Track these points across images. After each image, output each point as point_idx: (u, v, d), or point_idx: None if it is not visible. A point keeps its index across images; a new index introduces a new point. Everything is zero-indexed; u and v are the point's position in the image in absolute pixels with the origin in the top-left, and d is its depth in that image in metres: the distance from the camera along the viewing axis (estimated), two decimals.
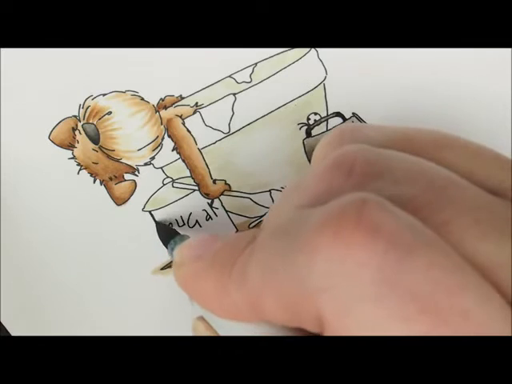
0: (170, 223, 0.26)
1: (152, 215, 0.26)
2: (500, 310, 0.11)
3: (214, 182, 0.27)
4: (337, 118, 0.27)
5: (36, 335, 0.25)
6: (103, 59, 0.25)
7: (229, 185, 0.27)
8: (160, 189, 0.26)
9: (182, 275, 0.17)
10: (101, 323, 0.26)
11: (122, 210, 0.26)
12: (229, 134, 0.26)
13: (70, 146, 0.26)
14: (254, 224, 0.27)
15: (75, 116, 0.26)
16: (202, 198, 0.27)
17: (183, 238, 0.24)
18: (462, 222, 0.12)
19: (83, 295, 0.26)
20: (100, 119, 0.26)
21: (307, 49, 0.27)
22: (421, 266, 0.12)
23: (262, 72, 0.26)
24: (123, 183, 0.26)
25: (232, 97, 0.26)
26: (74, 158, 0.26)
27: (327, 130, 0.27)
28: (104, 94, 0.26)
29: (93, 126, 0.26)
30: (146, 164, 0.26)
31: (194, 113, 0.26)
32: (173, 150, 0.26)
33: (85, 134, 0.26)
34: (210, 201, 0.27)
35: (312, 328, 0.13)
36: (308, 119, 0.27)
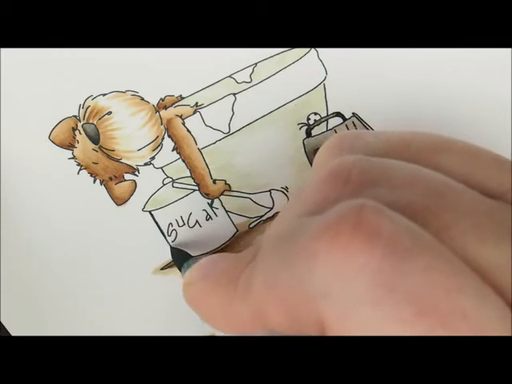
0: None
1: (152, 215, 0.26)
2: (499, 312, 0.11)
3: (214, 181, 0.27)
4: (337, 117, 0.27)
5: (36, 335, 0.25)
6: (103, 59, 0.25)
7: (229, 185, 0.27)
8: (160, 189, 0.26)
9: (190, 294, 0.17)
10: (101, 323, 0.26)
11: (122, 210, 0.26)
12: (229, 134, 0.26)
13: (70, 146, 0.26)
14: (254, 224, 0.27)
15: (75, 116, 0.26)
16: (202, 198, 0.27)
17: (196, 260, 0.24)
18: (460, 227, 0.12)
19: (83, 295, 0.26)
20: (100, 119, 0.26)
21: (307, 49, 0.27)
22: (418, 269, 0.12)
23: (261, 72, 0.26)
24: (123, 183, 0.26)
25: (232, 97, 0.26)
26: (74, 157, 0.26)
27: (327, 130, 0.27)
28: (104, 94, 0.26)
29: (93, 125, 0.26)
30: (146, 164, 0.26)
31: (194, 113, 0.26)
32: (173, 150, 0.26)
33: (85, 134, 0.26)
34: (210, 201, 0.27)
35: (314, 333, 0.13)
36: (308, 119, 0.27)
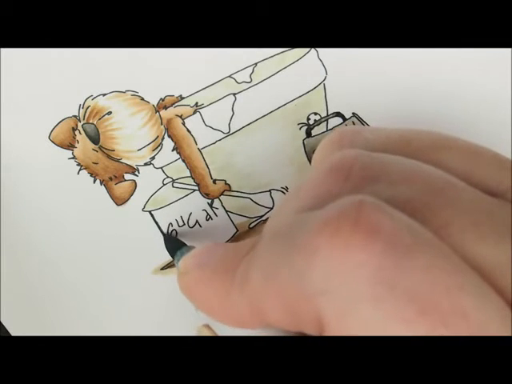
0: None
1: (152, 215, 0.26)
2: (499, 311, 0.11)
3: (214, 182, 0.27)
4: (337, 117, 0.27)
5: (36, 335, 0.25)
6: (103, 59, 0.25)
7: (229, 185, 0.27)
8: (160, 189, 0.26)
9: (185, 283, 0.17)
10: (101, 323, 0.26)
11: (122, 210, 0.26)
12: (229, 134, 0.26)
13: (70, 146, 0.26)
14: (254, 224, 0.27)
15: (75, 116, 0.26)
16: (202, 198, 0.27)
17: (190, 248, 0.24)
18: (460, 225, 0.12)
19: (83, 295, 0.26)
20: (100, 119, 0.26)
21: (307, 49, 0.27)
22: (419, 266, 0.11)
23: (261, 72, 0.26)
24: (123, 183, 0.26)
25: (232, 97, 0.26)
26: (74, 157, 0.26)
27: (327, 130, 0.27)
28: (104, 94, 0.26)
29: (93, 125, 0.26)
30: (146, 164, 0.26)
31: (194, 113, 0.26)
32: (173, 150, 0.26)
33: (85, 134, 0.26)
34: (210, 201, 0.27)
35: (312, 331, 0.13)
36: (308, 119, 0.27)
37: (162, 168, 0.26)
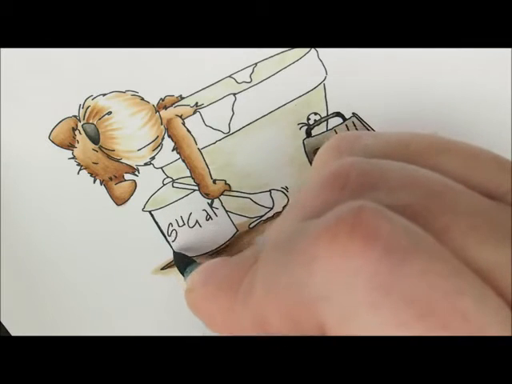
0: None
1: (152, 215, 0.26)
2: (500, 312, 0.11)
3: (214, 181, 0.27)
4: (337, 117, 0.27)
5: (36, 335, 0.25)
6: (103, 59, 0.25)
7: (229, 185, 0.27)
8: (160, 189, 0.26)
9: (192, 300, 0.18)
10: (101, 323, 0.26)
11: (122, 210, 0.26)
12: (229, 134, 0.26)
13: (70, 146, 0.26)
14: (254, 224, 0.27)
15: (75, 116, 0.26)
16: (202, 198, 0.27)
17: (198, 265, 0.24)
18: (460, 228, 0.12)
19: (83, 295, 0.26)
20: (100, 119, 0.26)
21: (307, 49, 0.27)
22: (416, 271, 0.11)
23: (262, 72, 0.26)
24: (123, 183, 0.26)
25: (232, 97, 0.26)
26: (74, 157, 0.26)
27: (327, 130, 0.27)
28: (104, 94, 0.26)
29: (93, 125, 0.26)
30: (146, 164, 0.26)
31: (194, 113, 0.26)
32: (173, 150, 0.26)
33: (85, 134, 0.26)
34: (210, 201, 0.27)
35: None
36: (308, 119, 0.27)
37: (161, 168, 0.26)
